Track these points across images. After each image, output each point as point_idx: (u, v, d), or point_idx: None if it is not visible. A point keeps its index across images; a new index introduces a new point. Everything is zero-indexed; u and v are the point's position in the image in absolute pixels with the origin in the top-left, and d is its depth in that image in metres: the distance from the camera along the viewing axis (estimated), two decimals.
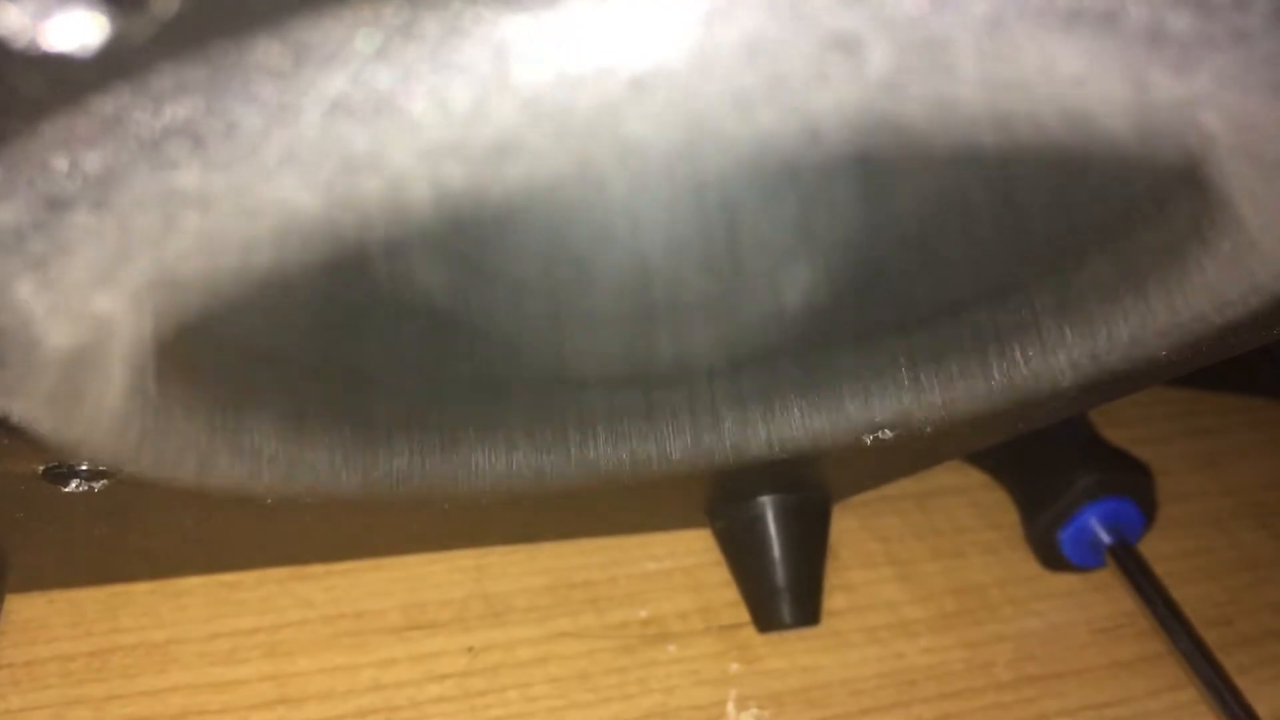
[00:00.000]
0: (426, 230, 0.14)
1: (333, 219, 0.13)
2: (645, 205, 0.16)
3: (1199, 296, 0.23)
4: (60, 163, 0.14)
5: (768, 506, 0.38)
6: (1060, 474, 0.43)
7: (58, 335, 0.15)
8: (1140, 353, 0.25)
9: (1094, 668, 0.41)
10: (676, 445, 0.28)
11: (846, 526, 0.43)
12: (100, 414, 0.19)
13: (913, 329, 0.27)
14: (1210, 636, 0.40)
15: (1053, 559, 0.43)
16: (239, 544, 0.36)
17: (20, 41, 0.11)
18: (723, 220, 0.17)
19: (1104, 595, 0.43)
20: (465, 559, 0.40)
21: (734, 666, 0.39)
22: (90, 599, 0.36)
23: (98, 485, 0.24)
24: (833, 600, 0.41)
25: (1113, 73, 0.13)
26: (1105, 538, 0.42)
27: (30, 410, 0.18)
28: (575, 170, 0.13)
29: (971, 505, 0.46)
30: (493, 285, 0.19)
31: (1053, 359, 0.26)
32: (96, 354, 0.16)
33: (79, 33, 0.11)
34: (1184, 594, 0.42)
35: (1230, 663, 0.40)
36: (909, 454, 0.35)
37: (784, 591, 0.39)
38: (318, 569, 0.38)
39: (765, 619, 0.39)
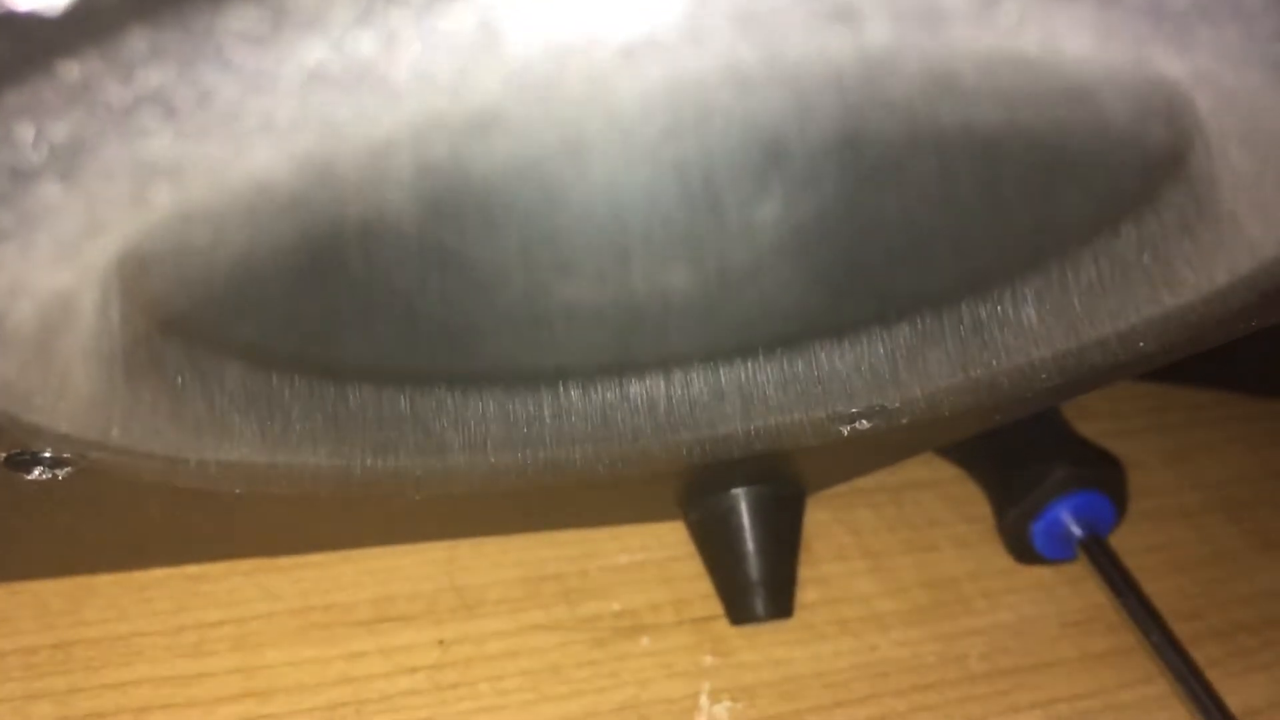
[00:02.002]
0: (403, 209, 0.14)
1: (309, 193, 0.13)
2: (629, 187, 0.16)
3: (1183, 289, 0.23)
4: (25, 131, 0.13)
5: (742, 499, 0.38)
6: (1032, 467, 0.43)
7: (19, 313, 0.15)
8: (1122, 346, 0.25)
9: (1066, 660, 0.41)
10: (652, 438, 0.28)
11: (820, 519, 0.43)
12: (64, 398, 0.19)
13: (893, 321, 0.26)
14: (1181, 629, 0.40)
15: (1025, 552, 0.43)
16: (205, 535, 0.35)
17: None
18: (707, 206, 0.17)
19: (1076, 588, 0.43)
20: (436, 551, 0.39)
21: (707, 659, 0.38)
22: (53, 591, 0.35)
23: (61, 473, 0.24)
24: (806, 593, 0.40)
25: (1114, 48, 0.13)
26: (1077, 531, 0.43)
27: None
28: (561, 144, 0.13)
29: (944, 498, 0.45)
30: (468, 271, 0.19)
31: (1034, 351, 0.26)
32: (61, 334, 0.16)
33: None
34: (1155, 587, 0.42)
35: (1201, 655, 0.40)
36: (886, 446, 0.35)
37: (757, 584, 0.39)
38: (286, 561, 0.38)
39: (739, 612, 0.39)
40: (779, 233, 0.21)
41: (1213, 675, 0.39)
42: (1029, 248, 0.24)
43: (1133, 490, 0.44)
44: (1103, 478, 0.43)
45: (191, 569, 0.37)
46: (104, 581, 0.36)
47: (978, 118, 0.13)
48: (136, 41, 0.12)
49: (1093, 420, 0.47)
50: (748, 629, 0.39)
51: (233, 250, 0.14)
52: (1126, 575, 0.42)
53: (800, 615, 0.40)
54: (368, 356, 0.24)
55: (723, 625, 0.39)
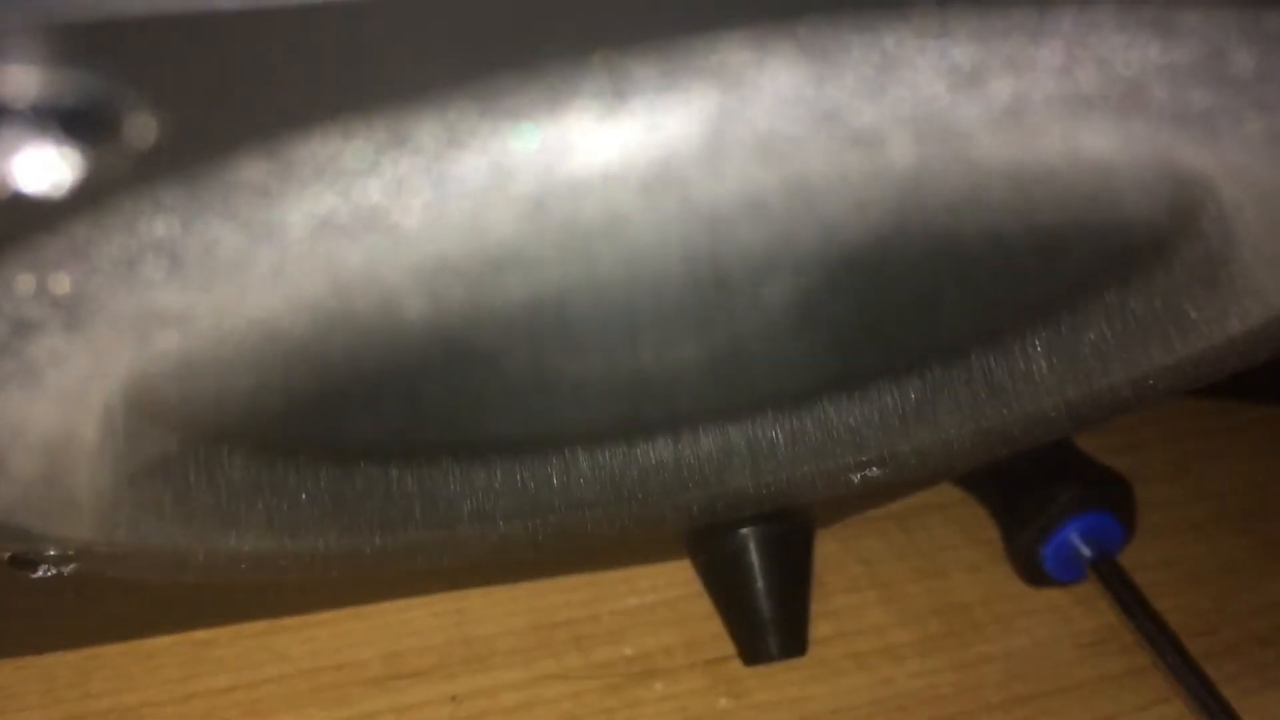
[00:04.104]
0: (414, 338, 0.13)
1: (320, 338, 0.13)
2: (642, 296, 0.15)
3: (1195, 338, 0.23)
4: (26, 285, 0.13)
5: (750, 538, 0.38)
6: (1039, 489, 0.43)
7: (24, 451, 0.14)
8: (1134, 389, 0.25)
9: (1082, 684, 0.41)
10: (662, 498, 0.28)
11: (828, 550, 0.43)
12: (70, 509, 0.18)
13: (902, 373, 0.26)
14: (1195, 646, 0.40)
15: (1035, 575, 0.43)
16: (212, 603, 0.35)
17: None
18: (719, 298, 0.16)
19: (1088, 609, 0.43)
20: (445, 603, 0.39)
21: (723, 701, 0.38)
22: (60, 664, 0.35)
23: (66, 569, 0.23)
24: (819, 627, 0.40)
25: (1135, 148, 0.13)
26: (1087, 552, 0.42)
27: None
28: (580, 278, 0.12)
29: (952, 522, 0.45)
30: (479, 362, 0.18)
31: (1046, 400, 0.25)
32: (66, 460, 0.16)
33: (50, 173, 0.10)
34: (1167, 604, 0.42)
35: (1217, 672, 0.40)
36: (897, 486, 0.35)
37: (770, 623, 0.38)
38: (294, 621, 0.37)
39: (752, 652, 0.39)
40: (788, 303, 0.20)
41: (1229, 692, 0.39)
42: (1039, 302, 0.24)
43: (1140, 503, 0.43)
44: (1110, 498, 0.43)
45: (199, 634, 0.36)
46: (111, 651, 0.35)
47: (1006, 226, 0.13)
48: (139, 198, 0.12)
49: (1096, 434, 0.47)
50: (762, 668, 0.39)
51: (242, 382, 0.14)
52: (1138, 595, 0.42)
53: (814, 651, 0.39)
54: (373, 436, 0.24)
55: (736, 666, 0.39)
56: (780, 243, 0.12)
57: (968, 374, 0.26)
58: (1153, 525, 0.46)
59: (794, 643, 0.39)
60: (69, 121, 0.10)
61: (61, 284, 0.12)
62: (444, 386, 0.20)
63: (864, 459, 0.29)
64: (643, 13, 0.11)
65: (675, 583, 0.41)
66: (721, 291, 0.15)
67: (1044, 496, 0.42)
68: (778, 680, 0.39)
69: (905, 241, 0.14)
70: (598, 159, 0.12)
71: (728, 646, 0.39)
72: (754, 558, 0.38)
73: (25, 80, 0.09)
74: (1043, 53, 0.13)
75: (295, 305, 0.12)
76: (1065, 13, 0.12)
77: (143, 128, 0.10)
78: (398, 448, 0.25)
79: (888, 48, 0.12)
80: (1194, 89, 0.13)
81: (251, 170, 0.12)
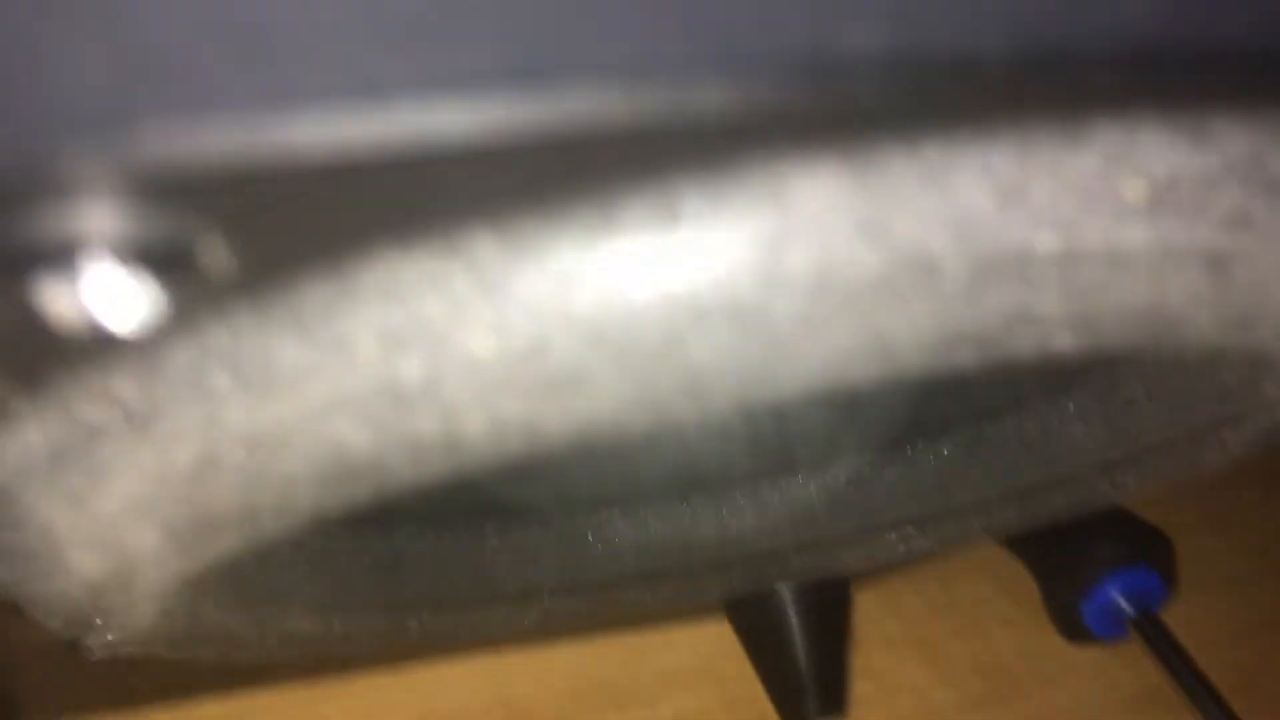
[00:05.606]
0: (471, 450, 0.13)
1: (382, 456, 0.13)
2: (703, 411, 0.16)
3: (1233, 401, 0.23)
4: (97, 392, 0.13)
5: (787, 597, 0.38)
6: (1078, 545, 0.42)
7: (88, 563, 0.15)
8: (1175, 465, 0.25)
9: None
10: (702, 566, 0.28)
11: (867, 607, 0.43)
12: (131, 605, 0.19)
13: (938, 437, 0.26)
14: (1239, 704, 0.40)
15: (1076, 631, 0.43)
16: (255, 666, 0.35)
17: (69, 329, 0.10)
18: (774, 419, 0.17)
19: (1130, 666, 0.43)
20: (483, 662, 0.39)
21: None
22: None
23: (123, 651, 0.24)
24: (858, 687, 0.40)
25: (1192, 265, 0.13)
26: (1127, 609, 0.42)
27: (56, 619, 0.17)
28: (638, 400, 0.12)
29: (991, 579, 0.45)
30: (536, 482, 0.19)
31: (1082, 461, 0.25)
32: (126, 580, 0.16)
33: (131, 314, 0.11)
34: (1209, 660, 0.41)
35: None
36: (935, 547, 0.35)
37: (808, 684, 0.38)
38: (334, 681, 0.38)
39: (791, 712, 0.38)
40: (834, 397, 0.21)
41: None
42: (1075, 368, 0.24)
43: (1179, 557, 0.43)
44: (1151, 552, 0.42)
45: (242, 699, 0.37)
46: (156, 717, 0.36)
47: (1061, 343, 0.13)
48: (205, 313, 0.12)
49: None
50: None
51: (305, 493, 0.14)
52: (1181, 652, 0.41)
53: (855, 711, 0.39)
54: (422, 510, 0.24)
55: None
56: (838, 367, 0.12)
57: (1004, 436, 0.26)
58: (1192, 580, 0.45)
59: (833, 703, 0.39)
60: (148, 257, 0.10)
61: (129, 391, 0.13)
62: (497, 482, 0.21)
63: (901, 519, 0.29)
64: (691, 135, 0.11)
65: (713, 642, 0.41)
66: (774, 415, 0.15)
67: (1083, 552, 0.42)
68: None
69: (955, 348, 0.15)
70: (655, 281, 0.12)
71: (767, 707, 0.39)
72: (792, 616, 0.38)
73: (106, 216, 0.10)
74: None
75: (357, 423, 0.12)
76: None
77: (217, 259, 0.11)
78: (447, 523, 0.25)
79: (931, 158, 0.12)
80: (1257, 195, 0.13)
81: (314, 287, 0.12)
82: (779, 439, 0.25)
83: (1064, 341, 0.13)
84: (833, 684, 0.39)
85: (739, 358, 0.12)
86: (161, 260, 0.10)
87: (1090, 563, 0.42)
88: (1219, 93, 0.12)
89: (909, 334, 0.12)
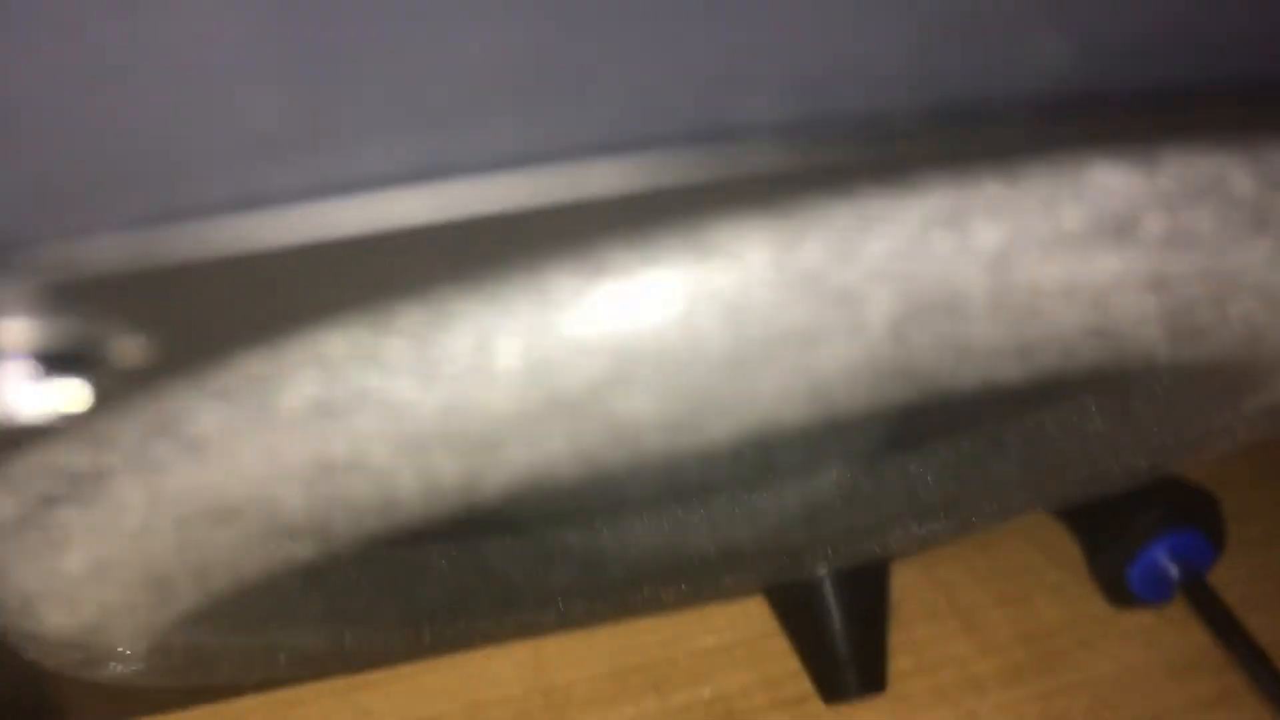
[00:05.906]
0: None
1: (320, 517, 0.13)
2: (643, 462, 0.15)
3: (1257, 394, 0.22)
4: (45, 466, 0.13)
5: (825, 574, 0.38)
6: (1123, 508, 0.42)
7: (59, 617, 0.15)
8: (1207, 446, 0.24)
9: (1173, 709, 0.40)
10: (720, 564, 0.27)
11: (907, 578, 0.42)
12: (118, 656, 0.19)
13: (958, 433, 0.26)
14: None
15: (1122, 596, 0.42)
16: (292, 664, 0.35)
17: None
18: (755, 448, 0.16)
19: (1177, 630, 0.42)
20: (523, 651, 0.39)
21: None
22: None
23: (133, 669, 0.24)
24: (899, 661, 0.40)
25: (1134, 284, 0.12)
26: (1174, 571, 0.41)
27: (51, 660, 0.17)
28: (569, 451, 0.12)
29: (1033, 544, 0.44)
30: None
31: (1103, 458, 0.25)
32: (100, 631, 0.16)
33: (48, 403, 0.11)
34: (1258, 621, 0.40)
35: None
36: (963, 531, 0.34)
37: (848, 660, 0.38)
38: (376, 676, 0.38)
39: (831, 690, 0.38)
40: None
41: None
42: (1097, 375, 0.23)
43: (1227, 515, 0.42)
44: (1198, 514, 0.41)
45: (284, 694, 0.37)
46: (199, 715, 0.36)
47: (1005, 371, 0.13)
48: (142, 393, 0.12)
49: None
50: (842, 706, 0.38)
51: (253, 566, 0.14)
52: (1229, 615, 0.40)
53: (895, 686, 0.39)
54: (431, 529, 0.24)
55: (816, 704, 0.39)
56: (769, 408, 0.12)
57: (1024, 433, 0.25)
58: (1239, 537, 0.44)
59: (873, 679, 0.38)
60: (61, 362, 0.10)
61: (78, 463, 0.13)
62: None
63: (925, 510, 0.28)
64: (617, 195, 0.11)
65: (751, 620, 0.41)
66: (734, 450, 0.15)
67: (1128, 515, 0.41)
68: (858, 717, 0.38)
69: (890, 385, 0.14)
70: (576, 335, 0.12)
71: (806, 684, 0.39)
72: (829, 594, 0.38)
73: (19, 331, 0.10)
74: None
75: (289, 486, 0.12)
76: None
77: (130, 352, 0.11)
78: (456, 534, 0.25)
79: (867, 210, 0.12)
80: (1190, 209, 0.12)
81: (243, 361, 0.12)
82: (798, 438, 0.24)
83: (1008, 371, 0.13)
84: (873, 660, 0.39)
85: (664, 404, 0.12)
86: (69, 358, 0.10)
87: (1136, 526, 0.41)
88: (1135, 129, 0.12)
89: (840, 376, 0.12)
